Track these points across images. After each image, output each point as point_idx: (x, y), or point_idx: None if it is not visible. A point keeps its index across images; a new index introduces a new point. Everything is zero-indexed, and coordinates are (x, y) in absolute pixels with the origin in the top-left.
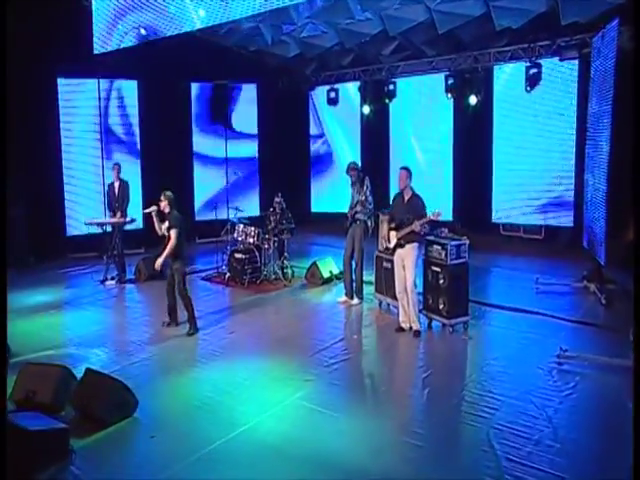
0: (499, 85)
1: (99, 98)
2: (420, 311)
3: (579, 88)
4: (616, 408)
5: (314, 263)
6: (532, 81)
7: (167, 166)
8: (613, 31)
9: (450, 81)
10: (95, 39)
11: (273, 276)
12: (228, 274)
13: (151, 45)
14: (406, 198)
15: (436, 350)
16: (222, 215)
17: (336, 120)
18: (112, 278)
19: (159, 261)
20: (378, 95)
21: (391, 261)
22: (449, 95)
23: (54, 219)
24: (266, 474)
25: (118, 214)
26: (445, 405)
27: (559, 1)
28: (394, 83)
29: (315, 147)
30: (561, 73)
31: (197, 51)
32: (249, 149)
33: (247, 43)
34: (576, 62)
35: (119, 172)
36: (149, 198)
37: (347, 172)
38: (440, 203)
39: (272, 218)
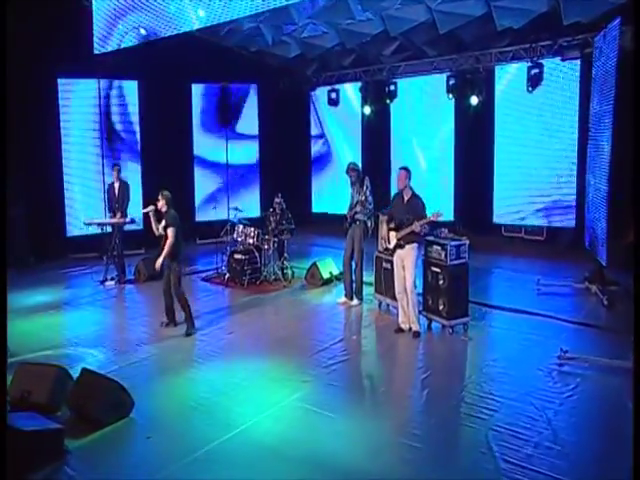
0: (501, 85)
1: (99, 98)
2: (420, 312)
3: (581, 88)
4: (617, 410)
5: (314, 264)
6: (534, 81)
7: (167, 166)
8: (615, 30)
9: (451, 81)
10: (95, 39)
11: (273, 277)
12: (227, 275)
13: (151, 45)
14: (406, 198)
15: (435, 351)
16: (222, 216)
17: (337, 121)
18: (112, 278)
19: (159, 261)
20: (379, 96)
21: (391, 262)
22: (450, 96)
23: (54, 219)
24: (263, 475)
25: (118, 214)
26: (444, 406)
27: (561, 1)
28: (395, 84)
29: (316, 148)
30: (563, 73)
31: (198, 51)
32: (250, 150)
33: (248, 43)
34: (578, 62)
35: (119, 173)
36: (149, 198)
37: (347, 172)
38: (441, 204)
39: (272, 219)
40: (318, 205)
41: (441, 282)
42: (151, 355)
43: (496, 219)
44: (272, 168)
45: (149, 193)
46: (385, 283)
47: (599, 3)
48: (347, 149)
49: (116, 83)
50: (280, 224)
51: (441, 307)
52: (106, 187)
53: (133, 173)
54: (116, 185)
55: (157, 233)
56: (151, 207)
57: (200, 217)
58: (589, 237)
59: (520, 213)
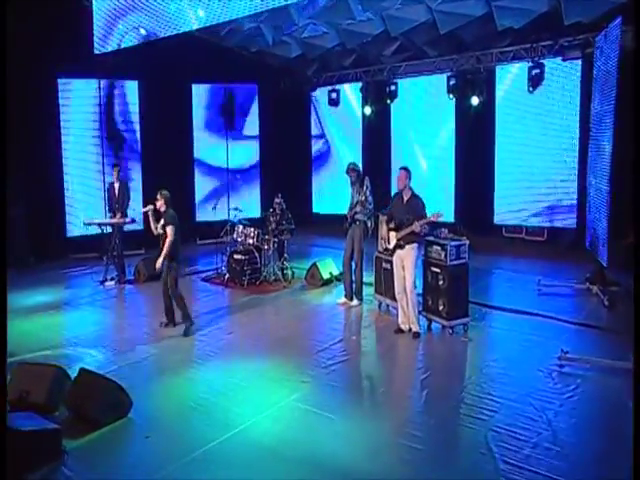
0: (501, 86)
1: (99, 98)
2: (420, 312)
3: (582, 88)
4: (617, 411)
5: (314, 264)
6: (535, 81)
7: (167, 166)
8: (616, 30)
9: (452, 82)
10: (95, 39)
11: (273, 277)
12: (227, 275)
13: (152, 46)
14: (405, 198)
15: (435, 351)
16: (222, 216)
17: (337, 121)
18: (112, 279)
19: (159, 261)
20: (379, 96)
21: (391, 262)
22: (451, 96)
23: (54, 219)
24: (261, 475)
25: (118, 215)
26: (444, 407)
27: (562, 1)
28: (395, 84)
29: (316, 148)
30: (564, 73)
31: (198, 52)
32: (250, 150)
33: (248, 44)
34: (579, 62)
35: (119, 173)
36: (149, 198)
37: (347, 172)
38: (442, 204)
39: (272, 219)
40: (319, 205)
41: (441, 282)
42: (150, 355)
43: (497, 219)
44: (272, 168)
45: (149, 193)
46: (385, 283)
47: (600, 3)
48: (347, 149)
49: (116, 83)
50: (280, 224)
51: (441, 307)
52: (106, 187)
53: (133, 173)
54: (116, 185)
55: (155, 232)
56: (150, 206)
57: (200, 217)
58: (590, 237)
59: (521, 213)
